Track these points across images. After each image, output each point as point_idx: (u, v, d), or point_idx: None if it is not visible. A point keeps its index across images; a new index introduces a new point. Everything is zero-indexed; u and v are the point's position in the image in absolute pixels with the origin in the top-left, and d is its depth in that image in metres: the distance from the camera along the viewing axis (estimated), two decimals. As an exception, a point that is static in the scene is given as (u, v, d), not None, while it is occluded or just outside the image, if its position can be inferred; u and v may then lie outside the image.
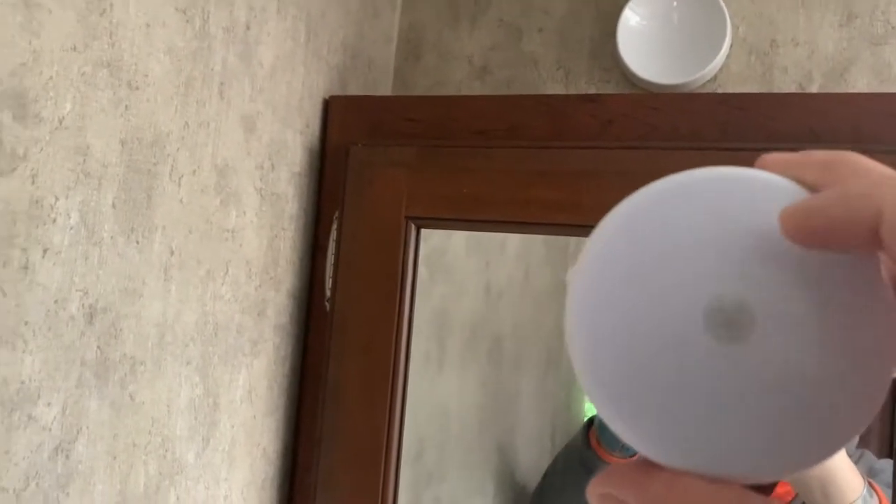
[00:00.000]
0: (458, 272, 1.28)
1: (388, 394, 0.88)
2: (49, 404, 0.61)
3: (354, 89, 1.05)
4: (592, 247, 0.23)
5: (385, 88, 1.15)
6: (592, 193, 0.83)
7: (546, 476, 1.39)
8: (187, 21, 0.73)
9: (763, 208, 0.22)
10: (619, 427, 0.22)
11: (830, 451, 0.21)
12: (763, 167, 0.24)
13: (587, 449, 1.28)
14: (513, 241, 1.49)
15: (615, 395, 0.22)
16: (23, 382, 0.58)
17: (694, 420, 0.21)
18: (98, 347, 0.65)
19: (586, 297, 0.22)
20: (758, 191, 0.22)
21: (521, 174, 0.86)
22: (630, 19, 1.03)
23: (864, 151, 0.24)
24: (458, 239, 1.25)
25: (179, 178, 0.73)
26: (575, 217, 0.84)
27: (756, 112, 0.83)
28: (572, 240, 1.49)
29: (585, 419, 1.39)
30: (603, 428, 1.25)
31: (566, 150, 0.86)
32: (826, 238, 0.21)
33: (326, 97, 0.98)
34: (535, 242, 1.63)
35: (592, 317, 0.22)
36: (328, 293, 0.94)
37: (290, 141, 0.91)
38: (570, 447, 1.36)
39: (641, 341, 0.21)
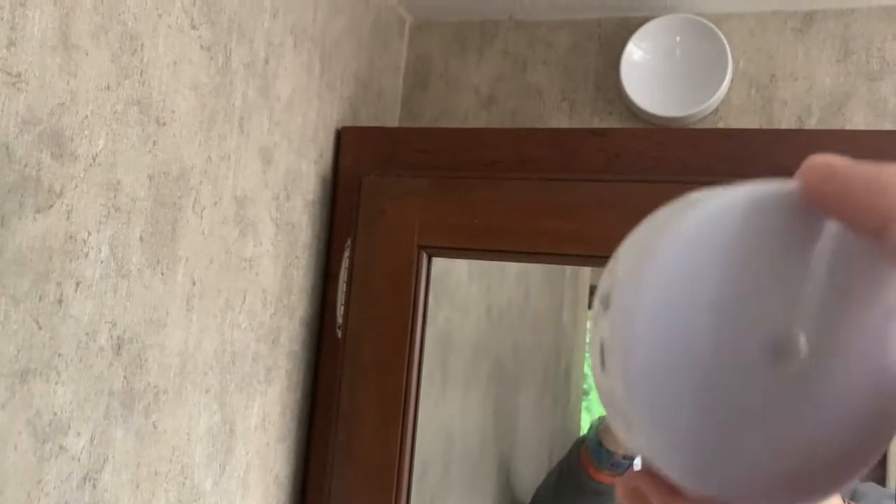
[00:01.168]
0: (461, 296, 1.30)
1: (400, 418, 0.90)
2: (79, 434, 0.62)
3: (365, 119, 1.07)
4: (646, 266, 0.21)
5: (393, 118, 1.17)
6: (601, 225, 0.86)
7: (538, 493, 1.42)
8: (211, 58, 0.75)
9: (806, 247, 0.22)
10: (648, 442, 0.22)
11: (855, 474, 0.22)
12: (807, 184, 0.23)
13: (578, 467, 1.31)
14: (513, 264, 1.51)
15: (665, 417, 0.21)
16: (55, 414, 0.60)
17: (730, 443, 0.21)
18: (125, 377, 0.67)
19: (645, 317, 0.21)
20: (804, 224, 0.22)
21: (531, 205, 0.89)
22: (633, 53, 1.06)
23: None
24: (462, 263, 1.27)
25: (202, 211, 0.75)
26: (584, 248, 0.86)
27: (760, 147, 0.85)
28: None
29: (577, 438, 1.41)
30: (594, 447, 1.28)
31: (574, 183, 0.89)
32: (832, 206, 0.21)
33: (339, 128, 1.00)
34: (535, 265, 1.65)
35: (652, 337, 0.21)
36: (339, 320, 0.96)
37: (305, 171, 0.93)
38: (562, 465, 1.38)
39: (700, 366, 0.21)
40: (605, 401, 0.23)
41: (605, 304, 0.22)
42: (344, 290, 0.96)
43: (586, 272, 1.68)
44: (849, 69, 1.02)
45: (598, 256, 0.96)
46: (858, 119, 1.00)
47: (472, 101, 1.16)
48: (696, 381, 0.21)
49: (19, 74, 0.55)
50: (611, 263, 0.24)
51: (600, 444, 1.27)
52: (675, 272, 0.21)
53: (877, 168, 0.21)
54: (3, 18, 0.54)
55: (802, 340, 0.21)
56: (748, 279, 0.22)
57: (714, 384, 0.21)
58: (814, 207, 0.22)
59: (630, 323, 0.21)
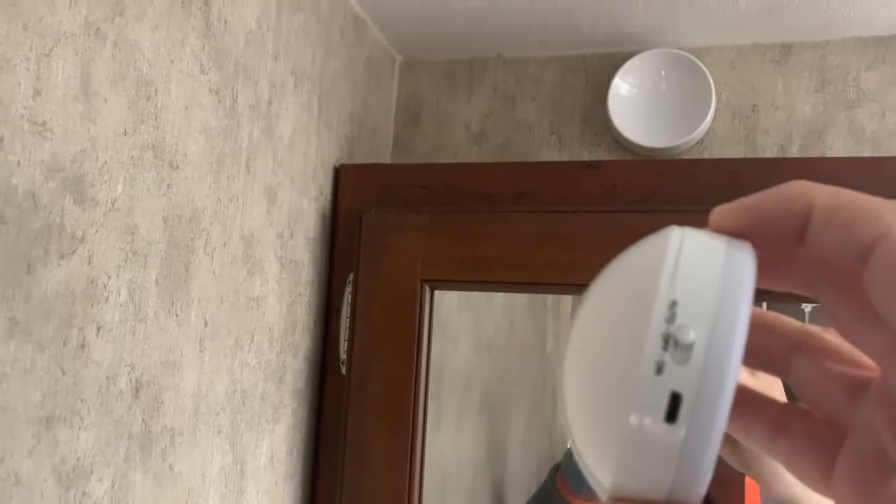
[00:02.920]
0: (452, 327, 1.32)
1: (408, 454, 0.90)
2: (101, 479, 0.62)
3: (360, 157, 1.09)
4: (731, 319, 0.22)
5: (386, 154, 1.19)
6: (600, 254, 0.87)
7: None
8: (219, 101, 0.76)
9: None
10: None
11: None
12: (718, 222, 0.24)
13: (555, 493, 1.33)
14: (499, 295, 1.53)
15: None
16: (78, 459, 0.60)
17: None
18: (143, 420, 0.67)
19: (735, 368, 0.22)
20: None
21: (531, 237, 0.91)
22: (620, 87, 1.10)
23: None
24: (452, 294, 1.29)
25: (213, 252, 0.76)
26: (585, 277, 0.87)
27: (748, 176, 0.88)
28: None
29: (553, 464, 1.44)
30: (569, 472, 1.31)
31: (572, 214, 0.91)
32: (756, 230, 0.23)
33: (337, 165, 1.01)
34: (520, 295, 1.67)
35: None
36: (343, 356, 0.97)
37: (306, 208, 0.94)
38: (540, 492, 1.40)
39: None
40: (654, 454, 0.22)
41: (678, 353, 0.22)
42: (347, 325, 0.96)
43: (567, 301, 1.70)
44: (827, 98, 1.06)
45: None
46: (838, 146, 1.04)
47: (462, 136, 1.18)
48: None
49: (44, 123, 0.56)
50: (663, 308, 0.22)
51: (576, 469, 1.29)
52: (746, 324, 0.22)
53: (774, 187, 0.23)
54: (28, 69, 0.55)
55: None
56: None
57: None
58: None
59: (724, 376, 0.21)
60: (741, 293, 0.22)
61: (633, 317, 0.23)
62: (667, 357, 0.22)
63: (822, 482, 0.24)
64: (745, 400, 0.27)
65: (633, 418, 0.22)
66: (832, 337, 0.25)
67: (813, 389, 0.25)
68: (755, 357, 0.26)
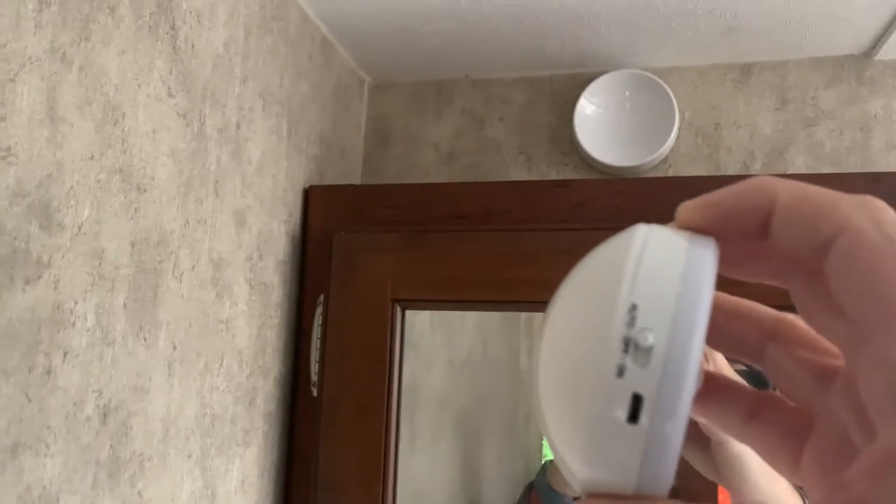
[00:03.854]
0: (425, 347, 1.32)
1: (382, 475, 0.90)
2: (67, 508, 0.61)
3: (330, 178, 1.09)
4: (689, 317, 0.23)
5: (355, 176, 1.20)
6: (568, 272, 0.89)
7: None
8: (187, 124, 0.76)
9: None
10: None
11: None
12: (684, 218, 0.25)
13: None
14: (471, 315, 1.53)
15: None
16: (44, 487, 0.59)
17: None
18: (111, 446, 0.66)
19: (694, 364, 0.23)
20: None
21: (502, 256, 0.91)
22: (586, 108, 1.11)
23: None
24: (424, 314, 1.29)
25: (181, 275, 0.75)
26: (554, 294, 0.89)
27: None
28: (524, 313, 1.55)
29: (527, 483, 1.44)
30: (544, 490, 1.31)
31: (541, 233, 0.92)
32: (721, 226, 0.23)
33: (306, 187, 1.02)
34: (492, 314, 1.68)
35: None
36: (314, 377, 0.96)
37: (276, 231, 0.94)
38: None
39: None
40: (620, 453, 0.23)
41: (638, 356, 0.23)
42: (318, 346, 0.96)
43: (539, 320, 1.71)
44: (787, 117, 1.08)
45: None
46: (799, 163, 1.06)
47: (432, 157, 1.19)
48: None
49: (9, 148, 0.56)
50: (623, 312, 0.23)
51: (550, 487, 1.30)
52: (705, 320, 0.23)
53: (738, 183, 0.24)
54: (-7, 94, 0.54)
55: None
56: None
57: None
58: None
59: (683, 376, 0.22)
60: (700, 293, 0.23)
61: (595, 320, 0.24)
62: (627, 360, 0.22)
63: (791, 469, 0.25)
64: (720, 388, 0.27)
65: (597, 419, 0.23)
66: (806, 325, 0.26)
67: (786, 377, 0.26)
68: (729, 344, 0.27)
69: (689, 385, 0.22)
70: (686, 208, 0.24)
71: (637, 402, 0.22)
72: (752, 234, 0.23)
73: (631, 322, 0.23)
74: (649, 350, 0.22)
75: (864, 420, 0.21)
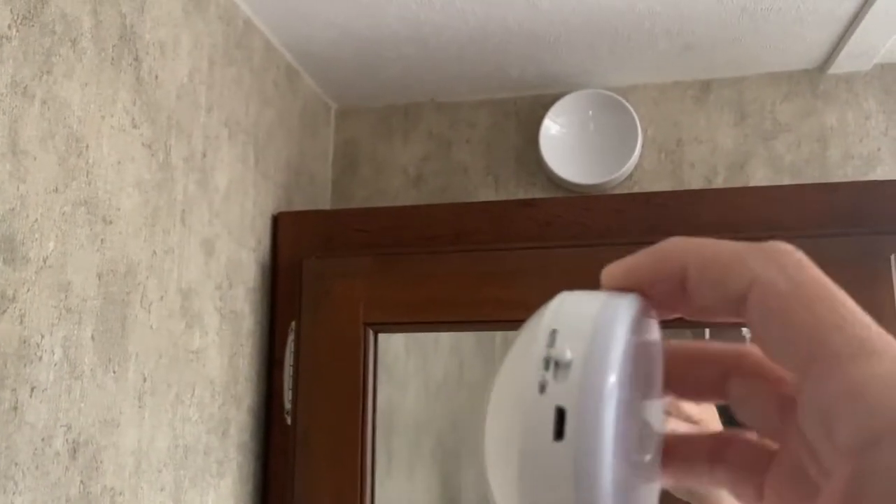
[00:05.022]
0: (400, 371, 1.31)
1: (358, 502, 0.89)
2: (37, 546, 0.60)
3: (299, 204, 1.09)
4: (603, 340, 0.24)
5: (325, 201, 1.20)
6: (539, 290, 0.89)
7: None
8: (152, 155, 0.76)
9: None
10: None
11: None
12: (608, 281, 0.26)
13: None
14: (446, 337, 1.53)
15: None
16: (13, 526, 0.58)
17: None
18: (81, 482, 0.65)
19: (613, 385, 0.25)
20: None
21: (472, 276, 0.92)
22: (550, 128, 1.13)
23: (775, 237, 0.25)
24: (398, 338, 1.29)
25: (149, 306, 0.75)
26: (526, 313, 0.89)
27: (677, 208, 0.92)
28: (499, 333, 1.55)
29: None
30: None
31: (510, 252, 0.93)
32: (644, 287, 0.24)
33: (275, 214, 1.02)
34: (467, 336, 1.68)
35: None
36: (288, 405, 0.96)
37: (245, 259, 0.94)
38: None
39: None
40: (552, 472, 0.23)
41: (558, 372, 0.23)
42: (291, 374, 0.96)
43: (513, 338, 1.71)
44: (746, 131, 1.11)
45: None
46: (760, 175, 1.09)
47: (400, 180, 1.20)
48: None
49: (-30, 182, 0.55)
50: (545, 336, 0.24)
51: None
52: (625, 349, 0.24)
53: (651, 248, 0.25)
54: (-47, 129, 0.54)
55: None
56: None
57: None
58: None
59: (602, 384, 0.23)
60: (617, 315, 0.24)
61: (522, 355, 0.25)
62: (548, 376, 0.23)
63: (755, 503, 0.25)
64: (678, 445, 0.28)
65: (525, 441, 0.23)
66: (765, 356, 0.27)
67: (749, 410, 0.26)
68: (694, 388, 0.28)
69: (610, 394, 0.23)
70: (608, 273, 0.25)
71: (561, 415, 0.23)
72: (675, 294, 0.24)
73: (551, 343, 0.24)
74: (568, 364, 0.23)
75: (815, 453, 0.22)
